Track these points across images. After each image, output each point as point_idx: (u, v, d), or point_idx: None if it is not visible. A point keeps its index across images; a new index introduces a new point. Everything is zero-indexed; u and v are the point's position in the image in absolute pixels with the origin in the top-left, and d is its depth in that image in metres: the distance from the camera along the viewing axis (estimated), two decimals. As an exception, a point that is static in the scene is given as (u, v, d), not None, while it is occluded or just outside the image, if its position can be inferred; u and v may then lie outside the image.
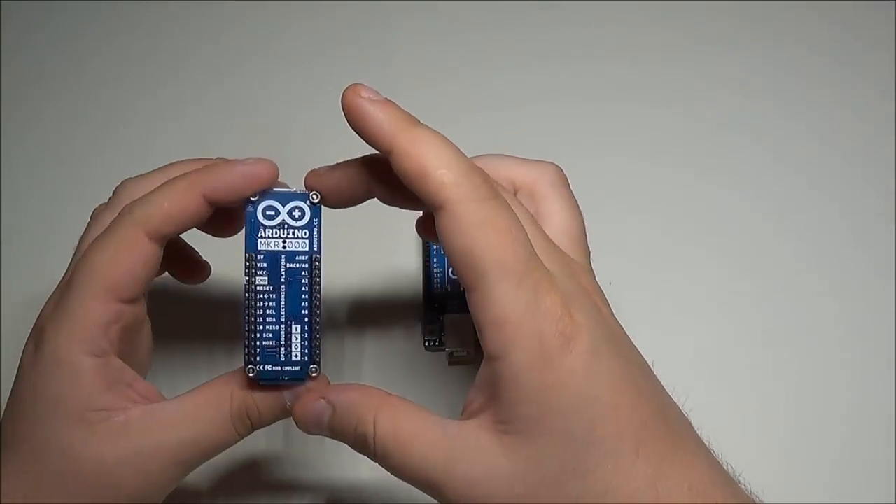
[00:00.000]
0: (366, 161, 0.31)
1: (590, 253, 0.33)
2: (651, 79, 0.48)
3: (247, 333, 0.30)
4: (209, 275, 0.38)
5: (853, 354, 0.40)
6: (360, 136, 0.28)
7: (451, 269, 0.41)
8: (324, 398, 0.30)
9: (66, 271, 0.33)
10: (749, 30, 0.49)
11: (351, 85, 0.28)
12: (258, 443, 0.38)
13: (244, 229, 0.31)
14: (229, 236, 0.35)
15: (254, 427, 0.31)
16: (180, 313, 0.41)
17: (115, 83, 0.49)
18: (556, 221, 0.31)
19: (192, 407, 0.30)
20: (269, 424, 0.31)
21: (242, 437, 0.31)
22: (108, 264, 0.30)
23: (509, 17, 0.50)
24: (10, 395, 0.31)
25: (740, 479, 0.29)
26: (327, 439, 0.30)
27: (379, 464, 0.29)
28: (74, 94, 0.49)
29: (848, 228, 0.43)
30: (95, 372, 0.29)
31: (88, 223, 0.34)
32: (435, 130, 0.28)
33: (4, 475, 0.29)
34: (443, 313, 0.40)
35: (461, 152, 0.28)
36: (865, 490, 0.37)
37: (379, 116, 0.28)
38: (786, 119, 0.46)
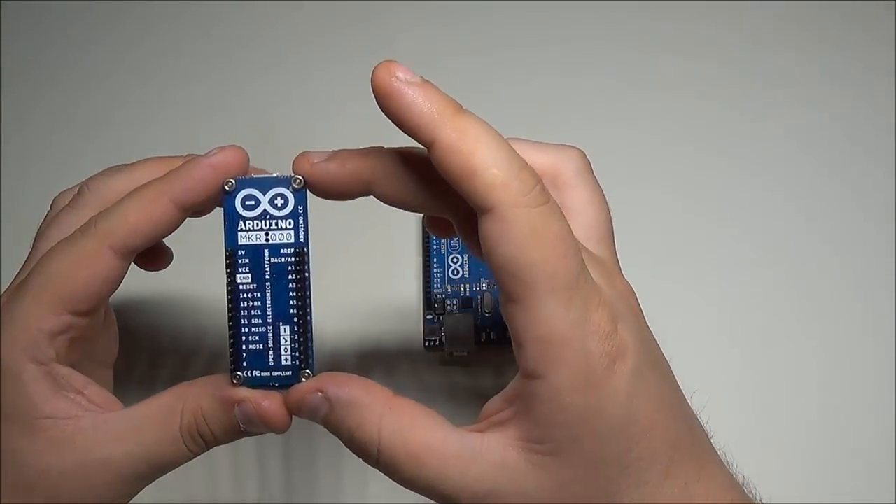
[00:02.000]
0: (370, 153, 0.28)
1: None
2: (665, 68, 0.48)
3: (231, 337, 0.28)
4: (171, 260, 0.35)
5: (859, 353, 0.40)
6: (395, 123, 0.25)
7: (451, 269, 0.41)
8: (321, 391, 0.27)
9: (22, 268, 0.31)
10: (764, 20, 0.49)
11: (383, 62, 0.25)
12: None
13: (223, 223, 0.28)
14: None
15: (208, 445, 0.28)
16: (163, 316, 0.40)
17: (108, 80, 0.49)
18: (583, 216, 0.28)
19: (141, 420, 0.28)
20: (227, 443, 0.28)
21: (197, 455, 0.28)
22: (65, 276, 0.28)
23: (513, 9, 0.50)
24: None
25: (747, 485, 0.29)
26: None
27: (381, 472, 0.27)
28: (66, 92, 0.49)
29: (867, 220, 0.43)
30: (40, 378, 0.28)
31: (49, 211, 0.33)
32: (482, 120, 0.25)
33: None
34: (443, 313, 0.40)
35: (511, 148, 0.25)
36: (865, 490, 0.37)
37: (419, 102, 0.25)
38: (806, 109, 0.46)
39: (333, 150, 0.29)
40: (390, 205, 0.29)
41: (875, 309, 0.41)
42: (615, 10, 0.50)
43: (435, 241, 0.42)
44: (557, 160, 0.29)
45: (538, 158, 0.29)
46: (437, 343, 0.40)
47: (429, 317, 0.40)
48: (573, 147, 0.30)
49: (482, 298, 0.41)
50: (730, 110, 0.47)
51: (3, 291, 0.30)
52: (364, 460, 0.27)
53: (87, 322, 0.29)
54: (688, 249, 0.43)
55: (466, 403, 0.36)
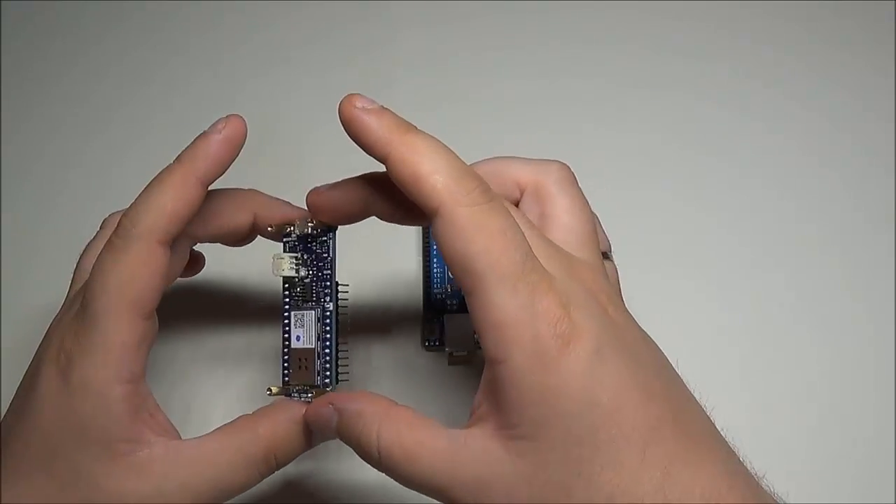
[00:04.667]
0: (364, 179, 0.31)
1: (608, 248, 0.33)
2: (665, 68, 0.48)
3: (331, 353, 0.32)
4: (204, 264, 0.37)
5: (859, 354, 0.40)
6: (358, 145, 0.29)
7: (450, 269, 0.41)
8: (332, 404, 0.30)
9: (71, 288, 0.33)
10: (764, 20, 0.49)
11: (346, 95, 0.29)
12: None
13: (327, 257, 0.32)
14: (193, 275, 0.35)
15: (278, 467, 0.31)
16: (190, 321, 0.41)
17: (107, 80, 0.49)
18: (561, 221, 0.30)
19: (217, 449, 0.30)
20: (291, 461, 0.32)
21: (264, 479, 0.31)
22: (127, 282, 0.29)
23: (513, 9, 0.50)
24: (25, 421, 0.30)
25: (764, 480, 0.28)
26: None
27: (385, 474, 0.29)
28: (66, 92, 0.49)
29: (867, 220, 0.43)
30: (124, 400, 0.29)
31: (99, 231, 0.35)
32: (430, 136, 0.28)
33: (18, 497, 0.29)
34: (443, 313, 0.40)
35: (456, 157, 0.28)
36: (865, 490, 0.37)
37: (373, 125, 0.28)
38: (806, 109, 0.46)
39: (334, 182, 0.32)
40: (388, 221, 0.32)
41: (875, 309, 0.41)
42: (616, 11, 0.50)
43: (435, 242, 0.42)
44: (540, 173, 0.31)
45: (523, 172, 0.31)
46: (437, 343, 0.40)
47: (429, 317, 0.40)
48: (556, 161, 0.32)
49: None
50: (730, 110, 0.47)
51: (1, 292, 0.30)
52: (370, 464, 0.29)
53: (154, 325, 0.30)
54: (687, 249, 0.43)
55: (466, 403, 0.36)
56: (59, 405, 0.29)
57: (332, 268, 0.33)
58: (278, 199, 0.34)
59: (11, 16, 0.51)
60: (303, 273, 0.33)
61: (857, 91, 0.47)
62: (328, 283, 0.32)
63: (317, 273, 0.33)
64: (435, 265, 0.41)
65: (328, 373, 0.32)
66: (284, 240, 0.33)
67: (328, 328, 0.32)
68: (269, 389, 0.33)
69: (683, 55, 0.48)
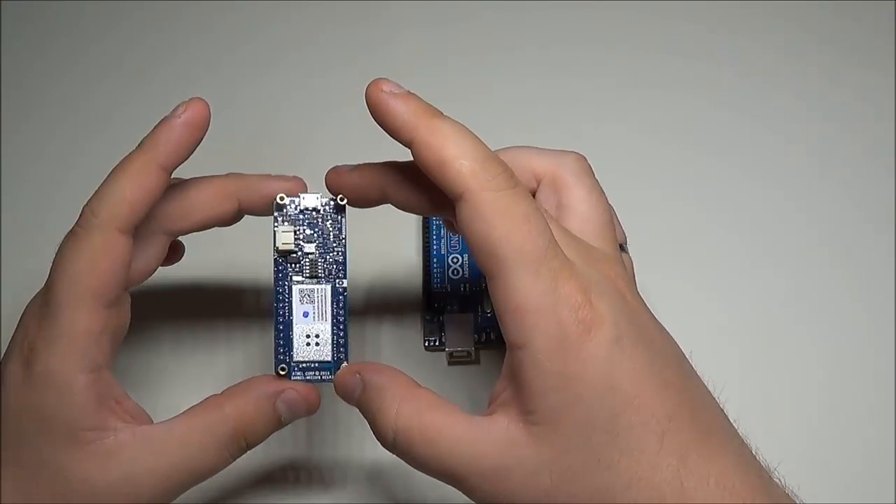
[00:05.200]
0: (385, 165, 0.31)
1: (624, 240, 0.33)
2: (665, 68, 0.48)
3: (279, 332, 0.32)
4: (184, 253, 0.36)
5: (859, 354, 0.40)
6: (384, 129, 0.29)
7: (451, 269, 0.41)
8: (359, 374, 0.30)
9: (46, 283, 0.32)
10: (764, 20, 0.49)
11: (373, 80, 0.29)
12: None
13: (341, 237, 0.32)
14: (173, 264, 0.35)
15: (248, 448, 0.31)
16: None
17: (107, 80, 0.49)
18: (577, 212, 0.30)
19: (184, 432, 0.30)
20: (262, 441, 0.31)
21: (235, 459, 0.31)
22: (87, 270, 0.29)
23: (513, 9, 0.50)
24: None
25: (775, 473, 0.29)
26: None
27: (399, 455, 0.29)
28: (66, 92, 0.49)
29: (867, 220, 0.44)
30: (88, 389, 0.29)
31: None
32: (456, 121, 0.28)
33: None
34: (443, 313, 0.40)
35: (481, 142, 0.28)
36: (865, 490, 0.37)
37: (399, 109, 0.28)
38: (807, 109, 0.46)
39: (356, 164, 0.32)
40: (403, 210, 0.32)
41: (876, 309, 0.41)
42: (615, 11, 0.50)
43: (435, 242, 0.42)
44: (557, 163, 0.31)
45: (539, 162, 0.31)
46: (437, 343, 0.40)
47: (429, 317, 0.40)
48: (573, 152, 0.32)
49: (482, 298, 0.40)
50: (730, 110, 0.47)
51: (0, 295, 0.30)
52: (382, 444, 0.29)
53: (118, 314, 0.30)
54: (687, 249, 0.43)
55: (467, 403, 0.36)
56: (23, 396, 0.29)
57: (345, 247, 0.33)
58: (261, 175, 0.33)
59: (11, 16, 0.51)
60: (310, 248, 0.32)
61: (857, 91, 0.47)
62: (342, 261, 0.32)
63: (330, 250, 0.32)
64: (435, 264, 0.41)
65: (342, 349, 0.32)
66: (277, 213, 0.32)
67: (342, 307, 0.32)
68: (282, 368, 0.32)
69: (683, 55, 0.48)
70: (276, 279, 0.32)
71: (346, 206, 0.32)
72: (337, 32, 0.50)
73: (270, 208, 0.32)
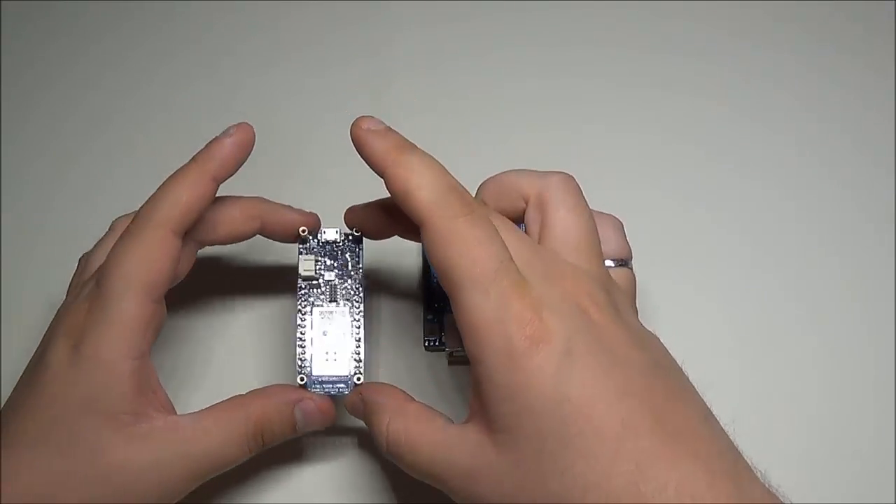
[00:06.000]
0: (388, 201, 0.34)
1: (627, 255, 0.34)
2: (664, 68, 0.48)
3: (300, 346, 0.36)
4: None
5: (859, 354, 0.40)
6: (364, 162, 0.32)
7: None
8: (361, 394, 0.34)
9: (75, 278, 0.36)
10: (764, 20, 0.49)
11: (357, 118, 0.32)
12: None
13: (359, 265, 0.37)
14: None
15: (264, 447, 0.34)
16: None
17: (107, 80, 0.49)
18: (556, 230, 0.32)
19: (210, 424, 0.33)
20: (278, 443, 0.34)
21: (252, 455, 0.34)
22: (142, 265, 0.32)
23: (513, 9, 0.50)
24: (31, 393, 0.31)
25: (761, 476, 0.28)
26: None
27: (392, 460, 0.32)
28: (66, 92, 0.49)
29: (869, 221, 0.43)
30: (132, 375, 0.31)
31: (109, 232, 0.37)
32: (426, 155, 0.31)
33: (25, 471, 0.30)
34: (443, 313, 0.40)
35: (444, 174, 0.31)
36: (865, 490, 0.37)
37: (375, 145, 0.31)
38: (806, 109, 0.47)
39: (365, 202, 0.36)
40: (408, 239, 0.36)
41: (875, 309, 0.41)
42: (615, 11, 0.50)
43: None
44: (542, 185, 0.33)
45: (527, 184, 0.33)
46: (437, 343, 0.40)
47: (429, 317, 0.40)
48: (558, 172, 0.33)
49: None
50: (730, 110, 0.47)
51: None
52: (381, 451, 0.33)
53: (161, 310, 0.33)
54: (686, 249, 0.43)
55: (466, 403, 0.36)
56: (67, 376, 0.31)
57: (362, 273, 0.37)
58: (283, 205, 0.37)
59: (11, 16, 0.51)
60: (330, 276, 0.36)
61: (857, 91, 0.47)
62: (360, 287, 0.36)
63: (348, 277, 0.37)
64: (435, 265, 0.41)
65: (358, 364, 0.35)
66: (302, 247, 0.37)
67: (359, 327, 0.36)
68: (301, 379, 0.35)
69: (683, 55, 0.48)
70: (299, 301, 0.36)
71: (363, 238, 0.37)
72: (337, 33, 0.50)
73: (286, 233, 0.37)
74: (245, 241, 0.37)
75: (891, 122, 0.46)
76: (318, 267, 0.36)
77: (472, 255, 0.29)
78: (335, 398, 0.35)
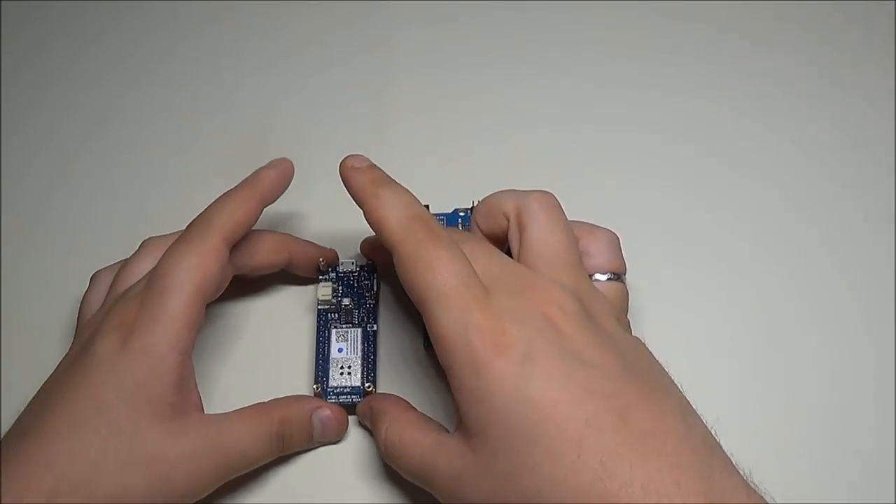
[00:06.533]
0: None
1: (621, 269, 0.35)
2: (664, 69, 0.48)
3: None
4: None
5: (859, 354, 0.40)
6: (349, 195, 0.35)
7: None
8: (370, 403, 0.37)
9: (93, 291, 0.38)
10: (764, 20, 0.49)
11: (346, 156, 0.35)
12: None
13: (373, 291, 0.41)
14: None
15: (284, 450, 0.36)
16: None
17: (107, 81, 0.49)
18: (531, 246, 0.34)
19: (239, 422, 0.35)
20: (298, 450, 0.37)
21: (274, 457, 0.36)
22: (196, 267, 0.34)
23: (513, 9, 0.50)
24: (73, 382, 0.33)
25: (743, 474, 0.28)
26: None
27: (389, 464, 0.35)
28: (66, 92, 0.49)
29: (869, 221, 0.43)
30: (177, 369, 0.33)
31: (88, 289, 0.38)
32: (398, 187, 0.34)
33: (61, 458, 0.31)
34: (443, 313, 0.40)
35: (412, 205, 0.33)
36: (865, 490, 0.37)
37: (356, 180, 0.34)
38: (807, 109, 0.46)
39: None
40: None
41: (875, 310, 0.41)
42: (615, 11, 0.50)
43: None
44: (521, 204, 0.35)
45: (509, 203, 0.35)
46: (437, 343, 0.40)
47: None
48: (537, 191, 0.35)
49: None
50: (729, 110, 0.47)
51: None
52: (381, 456, 0.35)
53: (204, 315, 0.35)
54: (685, 249, 0.43)
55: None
56: (115, 366, 0.32)
57: (377, 299, 0.41)
58: (308, 241, 0.41)
59: (11, 16, 0.51)
60: (346, 301, 0.40)
61: (857, 91, 0.47)
62: (373, 311, 0.40)
63: (363, 302, 0.40)
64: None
65: (371, 377, 0.39)
66: (322, 276, 0.41)
67: (371, 345, 0.39)
68: (315, 386, 0.38)
69: (683, 56, 0.48)
70: (318, 322, 0.40)
71: (377, 267, 0.41)
72: (337, 33, 0.50)
73: (309, 267, 0.41)
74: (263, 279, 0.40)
75: (891, 123, 0.46)
76: (335, 294, 0.40)
77: (433, 272, 0.31)
78: (349, 407, 0.38)
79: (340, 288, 0.41)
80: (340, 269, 0.41)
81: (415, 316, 0.41)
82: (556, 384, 0.29)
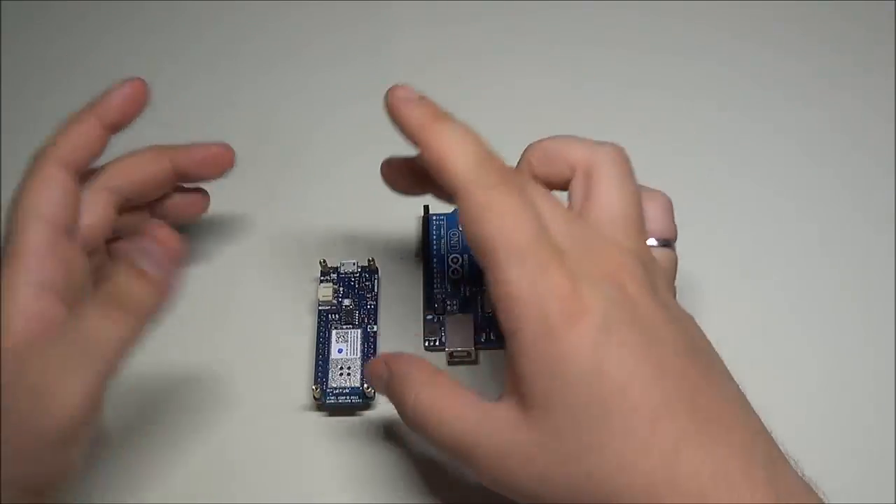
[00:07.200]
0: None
1: (672, 236, 0.33)
2: (664, 69, 0.48)
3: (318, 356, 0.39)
4: (208, 203, 0.40)
5: (859, 354, 0.40)
6: (398, 131, 0.31)
7: (451, 270, 0.41)
8: (387, 363, 0.33)
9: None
10: (763, 20, 0.49)
11: (392, 86, 0.31)
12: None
13: (373, 292, 0.41)
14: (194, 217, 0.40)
15: (138, 315, 0.31)
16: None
17: (107, 81, 0.49)
18: (599, 202, 0.31)
19: (89, 311, 0.31)
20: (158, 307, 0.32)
21: (139, 332, 0.31)
22: (35, 194, 0.32)
23: (514, 10, 0.50)
24: None
25: (801, 469, 0.28)
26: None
27: (417, 432, 0.31)
28: (66, 92, 0.48)
29: (867, 221, 0.43)
30: (30, 302, 0.30)
31: None
32: (460, 123, 0.30)
33: None
34: (443, 313, 0.40)
35: (480, 143, 0.30)
36: (865, 490, 0.37)
37: (410, 114, 0.31)
38: (806, 111, 0.47)
39: (403, 157, 0.35)
40: (442, 201, 0.35)
41: (875, 310, 0.41)
42: (616, 12, 0.50)
43: (435, 241, 0.42)
44: (591, 156, 0.32)
45: (575, 153, 0.32)
46: (437, 343, 0.40)
47: (429, 317, 0.40)
48: (609, 143, 0.32)
49: (482, 298, 0.41)
50: (730, 111, 0.47)
51: None
52: (404, 422, 0.32)
53: (77, 252, 0.33)
54: (684, 250, 0.43)
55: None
56: None
57: (377, 300, 0.40)
58: (191, 144, 0.38)
59: (11, 16, 0.51)
60: (347, 302, 0.40)
61: (857, 91, 0.47)
62: (373, 311, 0.40)
63: (363, 302, 0.40)
64: (435, 264, 0.41)
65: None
66: (322, 277, 0.41)
67: (371, 346, 0.39)
68: (314, 387, 0.37)
69: (682, 56, 0.48)
70: (319, 323, 0.40)
71: (378, 268, 0.41)
72: (337, 33, 0.50)
73: (199, 169, 0.38)
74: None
75: (891, 123, 0.46)
76: (335, 295, 0.40)
77: (507, 225, 0.28)
78: (348, 408, 0.38)
79: (341, 289, 0.41)
80: (341, 269, 0.41)
81: (415, 317, 0.41)
82: (633, 360, 0.27)
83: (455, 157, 0.29)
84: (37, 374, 0.29)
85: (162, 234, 0.32)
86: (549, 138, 0.33)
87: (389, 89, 0.31)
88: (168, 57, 0.50)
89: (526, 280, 0.28)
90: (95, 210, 0.35)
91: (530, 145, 0.33)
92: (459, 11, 0.50)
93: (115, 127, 0.35)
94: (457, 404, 0.30)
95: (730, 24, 0.49)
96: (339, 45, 0.50)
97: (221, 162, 0.38)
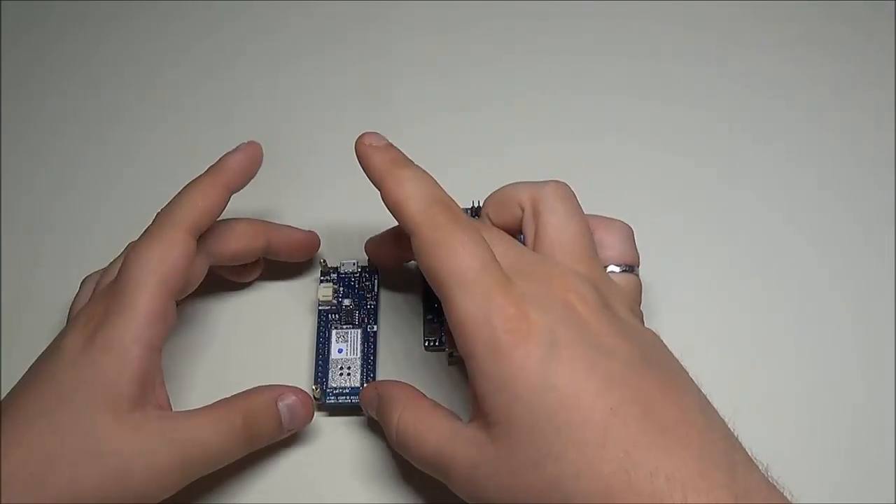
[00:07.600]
0: (396, 229, 0.38)
1: (634, 262, 0.35)
2: (663, 74, 0.48)
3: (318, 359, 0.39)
4: (261, 270, 0.42)
5: (859, 354, 0.40)
6: (365, 175, 0.34)
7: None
8: (377, 389, 0.36)
9: (83, 294, 0.37)
10: (762, 28, 0.49)
11: (362, 134, 0.34)
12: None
13: (374, 292, 0.41)
14: (249, 280, 0.42)
15: (255, 443, 0.35)
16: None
17: (108, 84, 0.49)
18: (548, 234, 0.34)
19: (201, 419, 0.34)
20: (268, 443, 0.36)
21: (245, 453, 0.35)
22: (158, 260, 0.33)
23: (514, 16, 0.50)
24: (40, 375, 0.33)
25: (762, 470, 0.29)
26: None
27: (400, 452, 0.34)
28: (67, 94, 0.49)
29: (867, 223, 0.43)
30: (138, 361, 0.32)
31: (79, 290, 0.38)
32: (417, 169, 0.33)
33: (18, 449, 0.31)
34: (443, 314, 0.40)
35: (433, 187, 0.33)
36: (865, 490, 0.37)
37: (374, 159, 0.33)
38: (796, 115, 0.47)
39: (380, 233, 0.40)
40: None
41: (874, 312, 0.41)
42: (616, 19, 0.50)
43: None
44: (536, 194, 0.35)
45: (524, 193, 0.35)
46: (437, 343, 0.40)
47: (429, 317, 0.40)
48: (552, 181, 0.35)
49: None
50: (729, 111, 0.47)
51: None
52: (391, 445, 0.34)
53: (174, 310, 0.34)
54: (684, 251, 0.43)
55: (466, 402, 0.36)
56: (78, 360, 0.32)
57: (377, 300, 0.41)
58: (286, 225, 0.41)
59: (11, 16, 0.51)
60: (347, 302, 0.40)
61: (856, 94, 0.47)
62: (373, 311, 0.40)
63: (363, 302, 0.41)
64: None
65: (370, 377, 0.39)
66: (323, 277, 0.41)
67: (371, 346, 0.39)
68: (314, 387, 0.38)
69: (682, 58, 0.48)
70: (319, 323, 0.40)
71: (378, 268, 0.41)
72: (339, 38, 0.50)
73: (290, 251, 0.41)
74: (264, 271, 0.41)
75: (891, 125, 0.46)
76: (335, 295, 0.40)
77: (456, 257, 0.30)
78: (348, 408, 0.38)
79: (341, 289, 0.41)
80: (341, 269, 0.41)
81: (415, 317, 0.41)
82: (581, 372, 0.29)
83: (410, 199, 0.32)
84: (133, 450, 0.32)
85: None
86: (502, 187, 0.36)
87: (360, 136, 0.34)
88: (170, 61, 0.50)
89: (474, 305, 0.30)
90: (196, 274, 0.37)
91: (487, 197, 0.36)
92: (461, 15, 0.50)
93: (236, 189, 0.37)
94: (434, 424, 0.33)
95: (730, 24, 0.49)
96: (342, 48, 0.50)
97: (309, 248, 0.41)
